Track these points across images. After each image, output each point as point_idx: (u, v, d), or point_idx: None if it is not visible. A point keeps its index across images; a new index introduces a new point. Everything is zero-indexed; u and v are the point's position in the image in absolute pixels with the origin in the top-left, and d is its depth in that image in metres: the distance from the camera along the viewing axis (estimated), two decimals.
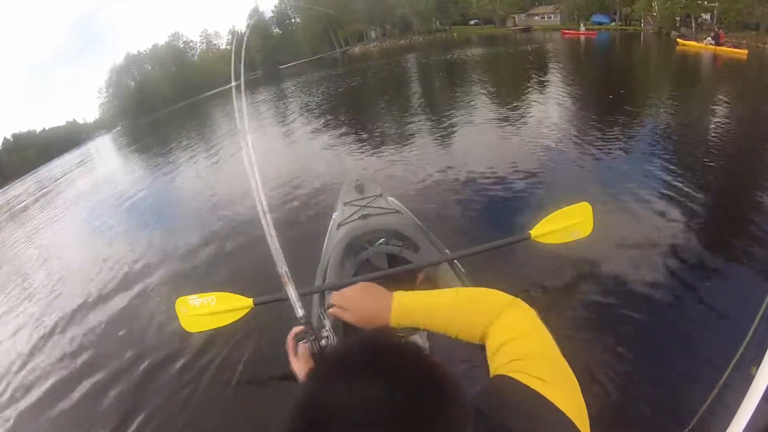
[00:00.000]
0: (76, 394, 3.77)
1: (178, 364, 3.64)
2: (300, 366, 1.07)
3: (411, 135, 10.02)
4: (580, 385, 0.75)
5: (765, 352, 1.15)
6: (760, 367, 1.15)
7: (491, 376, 0.78)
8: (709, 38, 19.01)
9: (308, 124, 14.13)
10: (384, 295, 1.00)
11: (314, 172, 8.12)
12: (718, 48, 18.04)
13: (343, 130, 11.66)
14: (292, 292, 1.40)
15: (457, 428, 0.53)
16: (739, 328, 1.57)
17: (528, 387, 0.70)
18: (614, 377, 2.65)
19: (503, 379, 0.74)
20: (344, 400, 0.51)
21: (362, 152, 9.26)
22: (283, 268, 1.43)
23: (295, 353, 1.10)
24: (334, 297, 1.06)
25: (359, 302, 1.01)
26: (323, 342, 1.09)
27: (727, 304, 3.12)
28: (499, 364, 0.79)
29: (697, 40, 20.38)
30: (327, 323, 1.16)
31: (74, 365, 4.27)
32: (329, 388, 0.54)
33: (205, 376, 3.41)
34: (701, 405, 1.64)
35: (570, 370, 0.78)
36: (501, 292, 0.95)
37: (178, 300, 2.87)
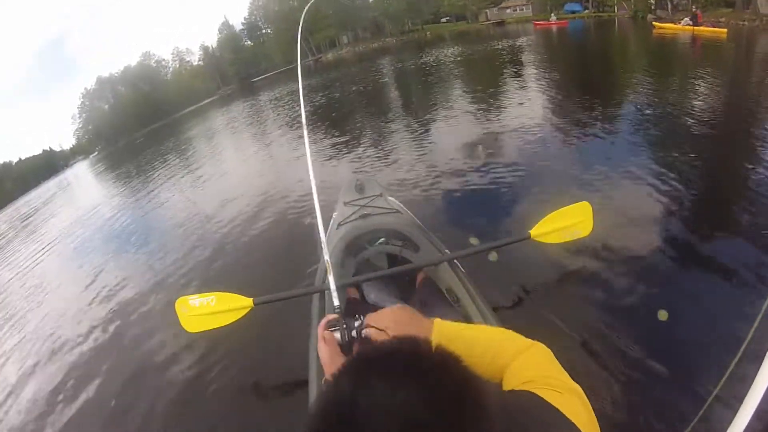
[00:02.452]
0: (76, 395, 3.92)
1: (177, 364, 3.77)
2: (326, 352, 1.08)
3: (408, 139, 9.79)
4: (581, 386, 0.84)
5: (765, 351, 1.11)
6: (761, 367, 1.09)
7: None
8: (687, 19, 18.51)
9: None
10: (422, 319, 1.05)
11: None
12: (696, 28, 17.55)
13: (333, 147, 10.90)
14: (331, 282, 1.52)
15: None
16: (741, 327, 1.55)
17: (546, 401, 0.74)
18: (614, 377, 2.65)
19: (523, 393, 0.77)
20: (383, 400, 0.51)
21: (358, 158, 9.07)
22: (326, 258, 1.59)
23: (325, 340, 1.12)
24: (370, 318, 1.08)
25: (400, 324, 1.03)
26: (353, 333, 1.11)
27: (729, 302, 3.10)
28: (515, 383, 0.84)
29: (674, 22, 19.83)
30: (361, 317, 1.14)
31: (76, 367, 4.44)
32: (367, 386, 0.53)
33: (205, 376, 3.50)
34: (702, 405, 1.60)
35: (584, 395, 0.82)
36: (522, 337, 1.00)
37: (177, 300, 2.76)
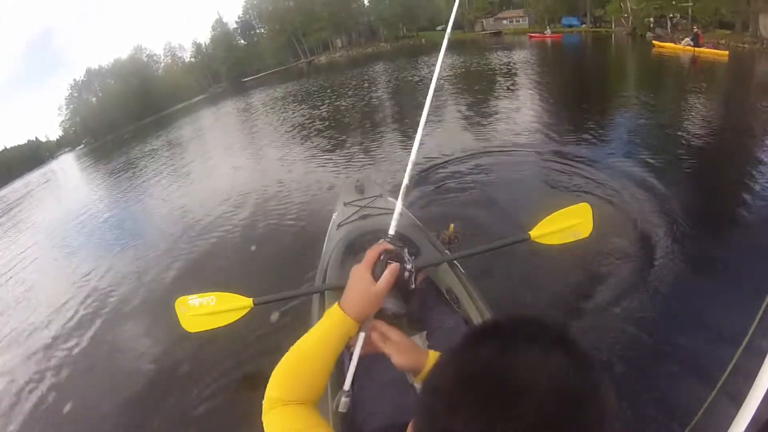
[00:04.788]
0: (74, 393, 3.99)
1: (177, 363, 3.85)
2: (374, 281, 1.03)
3: (407, 137, 10.04)
4: None
5: (763, 350, 1.12)
6: (762, 366, 1.09)
7: None
8: (688, 39, 18.14)
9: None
10: (421, 352, 1.07)
11: None
12: (697, 49, 17.19)
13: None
14: (399, 203, 1.40)
15: (612, 413, 0.53)
16: (740, 325, 1.52)
17: None
18: (613, 376, 2.70)
19: None
20: (537, 363, 0.52)
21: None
22: (405, 180, 1.47)
23: (373, 264, 1.06)
24: (379, 325, 1.09)
25: (404, 347, 1.06)
26: (406, 274, 1.09)
27: (729, 298, 3.12)
28: None
29: (675, 42, 19.54)
30: (410, 259, 1.13)
31: (74, 365, 4.48)
32: (517, 350, 0.54)
33: (205, 375, 3.55)
34: (701, 405, 1.55)
35: None
36: None
37: (177, 300, 2.70)
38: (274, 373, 0.99)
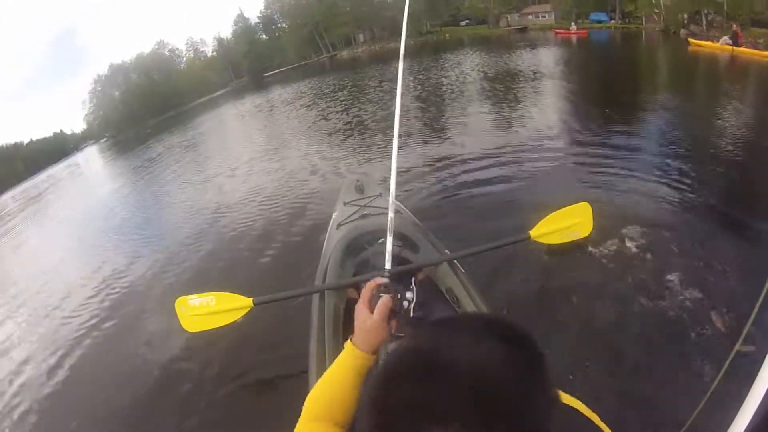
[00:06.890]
0: (72, 391, 4.05)
1: (177, 363, 3.92)
2: (371, 314, 1.09)
3: (408, 132, 10.01)
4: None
5: (762, 348, 1.14)
6: (762, 367, 1.08)
7: None
8: (726, 38, 17.40)
9: None
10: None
11: None
12: (736, 49, 16.46)
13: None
14: (388, 243, 1.46)
15: (549, 413, 0.55)
16: (737, 325, 1.87)
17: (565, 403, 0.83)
18: (609, 374, 2.81)
19: None
20: (464, 351, 0.55)
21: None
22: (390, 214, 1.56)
23: (370, 300, 1.12)
24: None
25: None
26: (405, 303, 1.15)
27: (726, 294, 3.22)
28: None
29: (711, 40, 18.77)
30: (414, 289, 1.19)
31: (72, 361, 4.53)
32: (449, 339, 0.58)
33: (205, 374, 3.62)
34: (697, 404, 1.63)
35: None
36: None
37: (177, 300, 2.68)
38: (306, 399, 1.06)
